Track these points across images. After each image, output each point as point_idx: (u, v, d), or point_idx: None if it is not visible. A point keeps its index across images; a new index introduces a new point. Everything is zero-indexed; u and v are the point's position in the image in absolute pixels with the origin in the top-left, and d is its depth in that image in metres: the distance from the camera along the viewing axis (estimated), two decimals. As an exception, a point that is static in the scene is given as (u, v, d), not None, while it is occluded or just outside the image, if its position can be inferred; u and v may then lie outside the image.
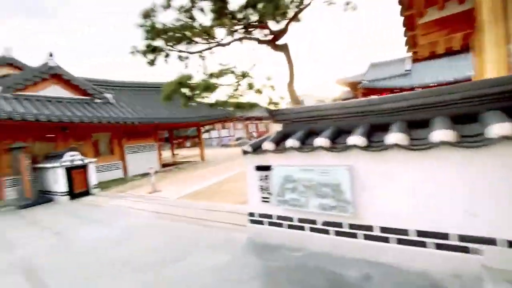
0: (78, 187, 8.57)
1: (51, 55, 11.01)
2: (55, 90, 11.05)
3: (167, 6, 4.60)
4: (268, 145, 3.11)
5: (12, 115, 8.04)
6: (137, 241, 4.09)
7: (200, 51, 5.47)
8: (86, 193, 8.73)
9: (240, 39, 5.39)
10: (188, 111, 14.96)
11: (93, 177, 9.00)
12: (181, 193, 7.28)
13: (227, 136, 41.08)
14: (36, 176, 9.11)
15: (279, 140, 3.19)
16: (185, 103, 5.09)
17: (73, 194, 8.32)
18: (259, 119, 43.88)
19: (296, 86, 5.18)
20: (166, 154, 19.84)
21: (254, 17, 5.10)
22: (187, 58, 5.67)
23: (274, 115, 3.52)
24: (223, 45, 5.51)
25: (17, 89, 9.69)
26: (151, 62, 5.68)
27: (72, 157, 8.50)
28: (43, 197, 8.69)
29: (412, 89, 19.69)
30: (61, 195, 8.15)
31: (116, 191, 8.84)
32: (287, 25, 5.12)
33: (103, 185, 9.92)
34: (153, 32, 4.77)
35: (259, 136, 39.59)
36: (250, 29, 5.25)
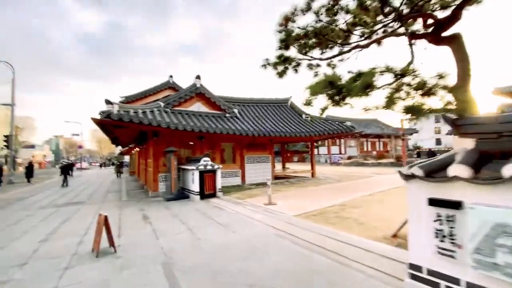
0: (207, 188, 9.70)
1: (198, 77, 13.45)
2: (198, 106, 13.35)
3: (308, 9, 4.34)
4: (459, 170, 2.07)
5: (170, 124, 10.14)
6: (262, 259, 3.81)
7: (336, 55, 4.90)
8: (213, 195, 9.76)
9: (385, 36, 4.46)
10: (301, 125, 14.79)
11: (219, 182, 10.00)
12: (297, 211, 6.79)
13: (337, 154, 38.66)
14: (179, 175, 11.06)
15: (476, 163, 2.08)
16: (325, 108, 4.59)
17: (203, 194, 9.47)
18: (379, 136, 38.96)
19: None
20: (277, 167, 20.36)
21: (407, 7, 4.09)
22: (318, 65, 5.26)
23: (460, 125, 2.41)
24: (362, 47, 4.73)
25: (174, 105, 12.31)
26: (281, 74, 5.61)
27: (206, 162, 9.74)
28: (183, 193, 10.37)
29: None
30: (195, 194, 9.43)
31: (236, 197, 9.41)
32: (460, 8, 3.79)
33: (225, 190, 10.89)
34: (291, 38, 4.61)
35: (381, 157, 34.82)
36: (400, 22, 4.24)
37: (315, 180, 14.42)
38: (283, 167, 19.35)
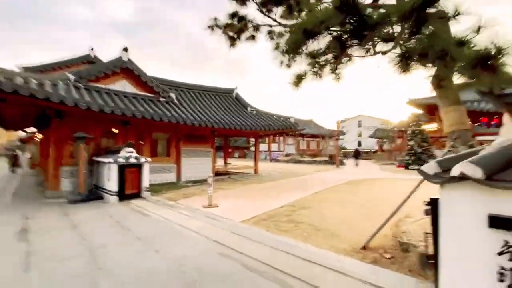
0: (129, 187, 7.68)
1: (125, 49, 10.93)
2: (123, 85, 10.86)
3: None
4: None
5: (79, 103, 7.63)
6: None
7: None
8: (137, 195, 7.78)
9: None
10: (246, 118, 13.77)
11: (146, 179, 8.06)
12: (244, 214, 5.64)
13: (277, 151, 39.50)
14: (92, 169, 8.59)
15: None
16: (301, 76, 3.42)
17: (123, 194, 7.42)
18: (314, 136, 41.35)
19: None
20: (218, 162, 18.99)
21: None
22: (282, 35, 4.17)
23: None
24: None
25: (90, 80, 9.59)
26: (233, 40, 4.30)
27: (128, 154, 7.69)
28: (96, 193, 8.04)
29: None
30: (111, 194, 7.30)
31: (167, 198, 7.69)
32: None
33: (154, 188, 8.98)
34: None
35: (315, 155, 37.16)
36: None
37: (258, 177, 13.61)
38: (225, 163, 18.07)
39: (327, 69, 3.34)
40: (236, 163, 20.45)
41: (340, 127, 34.20)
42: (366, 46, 2.85)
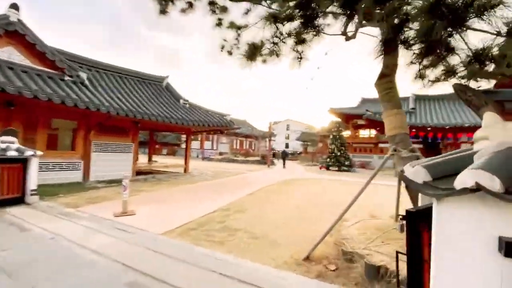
0: (7, 190, 5.60)
1: (14, 6, 8.27)
2: (9, 53, 8.18)
3: None
4: None
5: None
6: None
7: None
8: (19, 200, 5.75)
9: None
10: (178, 112, 12.47)
11: (34, 178, 6.05)
12: (168, 223, 4.68)
13: (210, 149, 38.28)
14: None
15: None
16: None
17: (-7, 201, 5.33)
18: (247, 136, 41.82)
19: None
20: (142, 159, 16.83)
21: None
22: (225, 9, 3.47)
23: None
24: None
25: None
26: (165, 6, 3.37)
27: (5, 145, 5.60)
28: None
29: (422, 127, 19.01)
30: (-29, 201, 5.13)
31: (65, 203, 5.95)
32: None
33: (50, 191, 6.93)
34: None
35: (248, 155, 37.65)
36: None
37: (188, 177, 12.45)
38: (150, 160, 16.06)
39: (288, 44, 2.83)
40: (164, 161, 18.56)
41: (273, 129, 35.64)
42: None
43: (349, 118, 30.54)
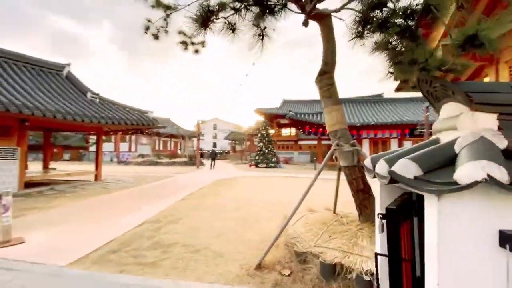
0: None
1: None
2: None
3: None
4: None
5: None
6: None
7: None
8: None
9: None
10: (84, 108, 10.35)
11: None
12: (78, 250, 3.60)
13: (127, 152, 33.94)
14: None
15: None
16: None
17: None
18: (172, 136, 39.05)
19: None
20: (34, 167, 13.40)
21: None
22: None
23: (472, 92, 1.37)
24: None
25: None
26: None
27: None
28: None
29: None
30: None
31: None
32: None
33: None
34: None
35: (174, 156, 35.57)
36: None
37: (102, 185, 10.45)
38: (46, 168, 12.84)
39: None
40: (66, 168, 15.24)
41: (202, 130, 34.38)
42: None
43: (273, 118, 32.35)
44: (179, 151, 41.73)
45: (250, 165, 22.94)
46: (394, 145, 21.98)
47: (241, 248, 3.66)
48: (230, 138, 47.54)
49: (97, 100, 11.76)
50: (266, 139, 22.71)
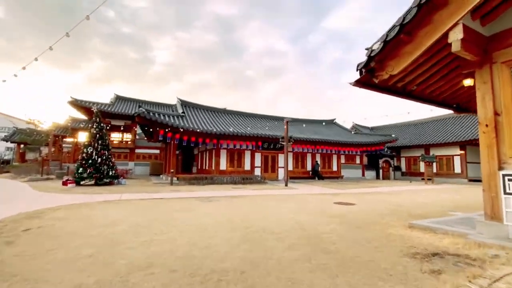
0: None
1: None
2: None
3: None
4: None
5: None
6: None
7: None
8: None
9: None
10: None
11: None
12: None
13: None
14: None
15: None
16: None
17: None
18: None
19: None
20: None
21: None
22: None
23: None
24: None
25: None
26: None
27: None
28: None
29: (189, 130, 17.90)
30: None
31: None
32: None
33: None
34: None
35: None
36: None
37: None
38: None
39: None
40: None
41: None
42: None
43: (104, 116, 24.10)
44: None
45: (65, 183, 14.35)
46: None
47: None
48: (16, 140, 30.87)
49: None
50: (100, 142, 15.32)
